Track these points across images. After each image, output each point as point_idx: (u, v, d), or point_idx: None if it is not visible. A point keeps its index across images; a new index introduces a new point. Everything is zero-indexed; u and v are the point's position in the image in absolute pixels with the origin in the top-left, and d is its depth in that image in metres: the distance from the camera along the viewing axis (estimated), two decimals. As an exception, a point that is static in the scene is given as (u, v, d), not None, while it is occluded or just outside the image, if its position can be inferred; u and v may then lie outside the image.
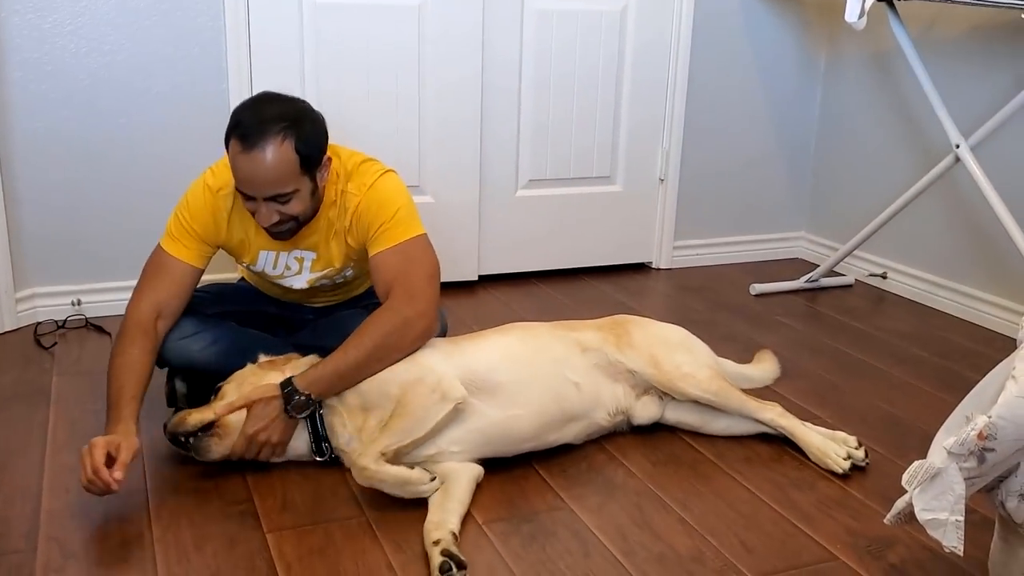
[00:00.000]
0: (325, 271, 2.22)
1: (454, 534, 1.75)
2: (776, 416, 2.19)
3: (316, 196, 2.07)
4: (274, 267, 2.21)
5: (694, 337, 2.31)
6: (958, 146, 2.91)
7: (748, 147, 3.70)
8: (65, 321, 2.87)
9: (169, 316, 2.11)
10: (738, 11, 3.51)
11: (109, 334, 2.79)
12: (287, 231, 2.07)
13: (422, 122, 3.17)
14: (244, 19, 2.88)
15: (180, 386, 2.23)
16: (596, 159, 3.48)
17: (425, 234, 2.14)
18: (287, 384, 1.96)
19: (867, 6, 2.79)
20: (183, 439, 1.99)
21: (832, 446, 2.12)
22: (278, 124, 1.94)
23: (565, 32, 3.30)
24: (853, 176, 3.63)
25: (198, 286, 2.18)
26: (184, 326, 2.15)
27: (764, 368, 2.51)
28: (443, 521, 1.79)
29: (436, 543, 1.71)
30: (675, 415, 2.24)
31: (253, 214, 2.04)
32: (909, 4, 3.02)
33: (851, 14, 2.82)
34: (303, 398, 1.95)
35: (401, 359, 2.01)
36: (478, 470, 1.98)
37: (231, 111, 2.02)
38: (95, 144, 2.83)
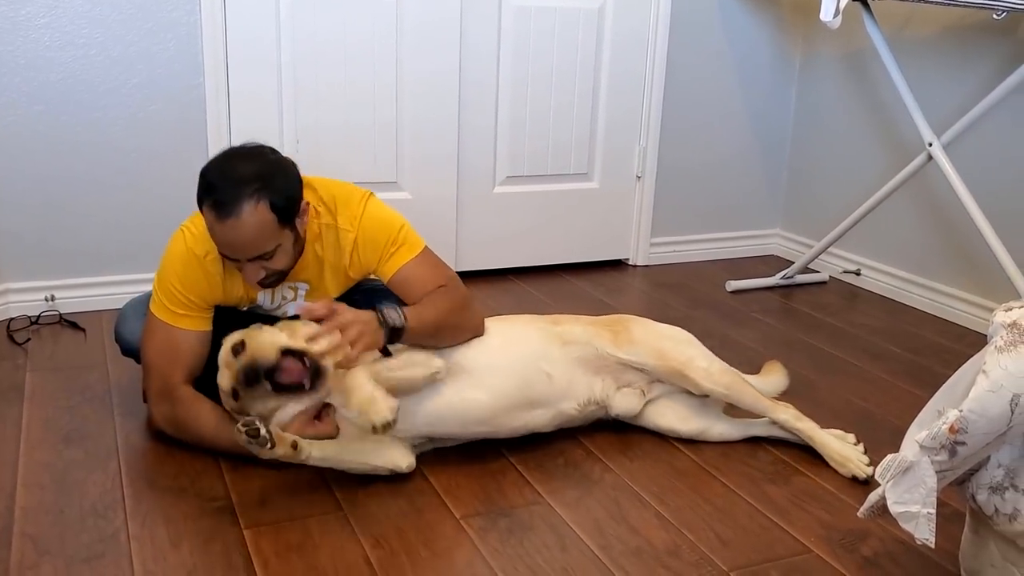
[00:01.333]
0: (317, 297, 2.21)
1: (295, 443, 1.82)
2: (791, 418, 2.15)
3: (298, 243, 2.04)
4: (271, 302, 2.17)
5: (696, 339, 2.29)
6: (931, 144, 2.94)
7: (724, 145, 3.72)
8: (39, 317, 2.84)
9: (199, 372, 2.08)
10: (715, 9, 3.53)
11: (83, 330, 2.77)
12: (273, 282, 2.04)
13: (399, 117, 3.16)
14: (220, 12, 2.86)
15: (156, 382, 2.21)
16: (573, 156, 3.49)
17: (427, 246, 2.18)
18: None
19: (842, 5, 2.81)
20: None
21: (853, 451, 2.09)
22: (250, 185, 1.87)
23: (543, 28, 3.30)
24: (828, 174, 3.67)
25: None
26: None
27: (768, 381, 2.43)
28: (308, 441, 1.86)
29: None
30: (667, 423, 2.21)
31: (239, 270, 2.00)
32: (883, 3, 3.05)
33: (826, 13, 2.84)
34: (394, 309, 1.94)
35: (456, 342, 2.06)
36: (395, 461, 1.98)
37: (206, 160, 1.96)
38: (69, 138, 2.80)
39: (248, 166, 1.92)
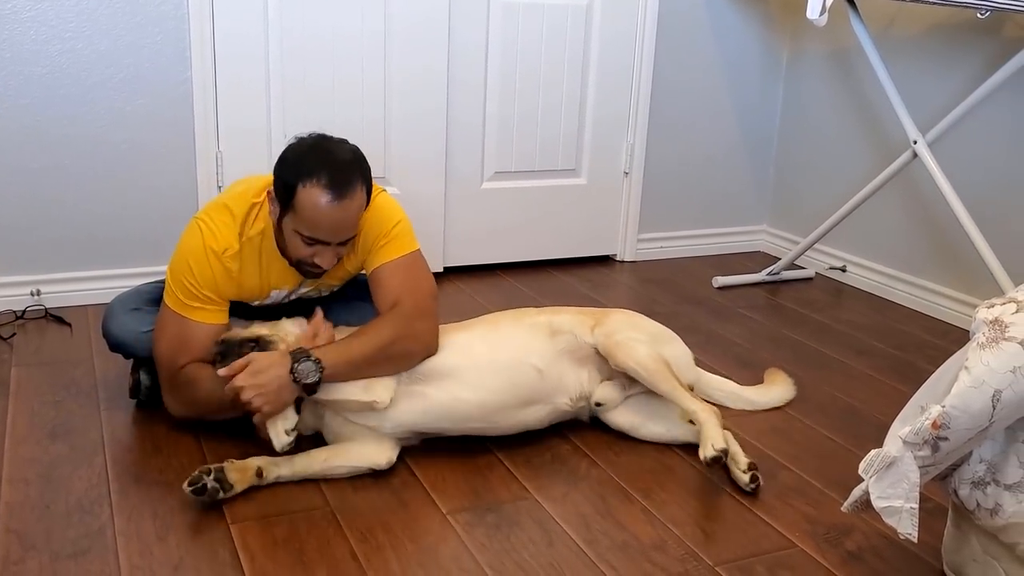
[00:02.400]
0: (316, 287, 2.21)
1: (260, 470, 1.88)
2: (699, 410, 2.01)
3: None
4: (283, 297, 2.18)
5: (679, 340, 2.26)
6: (915, 142, 2.96)
7: (711, 141, 3.73)
8: (24, 311, 2.83)
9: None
10: (702, 7, 3.54)
11: (69, 325, 2.76)
12: (322, 272, 2.05)
13: (388, 113, 3.16)
14: (208, 6, 2.84)
15: (144, 378, 2.21)
16: (561, 152, 3.50)
17: (420, 250, 2.14)
18: (298, 350, 1.90)
19: (828, 3, 2.82)
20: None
21: (718, 434, 1.94)
22: (355, 169, 1.93)
23: (531, 25, 3.30)
24: (814, 171, 3.68)
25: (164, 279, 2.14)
26: (152, 319, 2.12)
27: (771, 391, 2.40)
28: (275, 461, 1.91)
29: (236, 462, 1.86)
30: (613, 418, 2.20)
31: (305, 260, 1.99)
32: (870, 1, 3.06)
33: (813, 11, 2.85)
34: (312, 362, 1.87)
35: (404, 369, 2.00)
36: (372, 459, 1.97)
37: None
38: (55, 132, 2.79)
39: (345, 151, 1.97)
